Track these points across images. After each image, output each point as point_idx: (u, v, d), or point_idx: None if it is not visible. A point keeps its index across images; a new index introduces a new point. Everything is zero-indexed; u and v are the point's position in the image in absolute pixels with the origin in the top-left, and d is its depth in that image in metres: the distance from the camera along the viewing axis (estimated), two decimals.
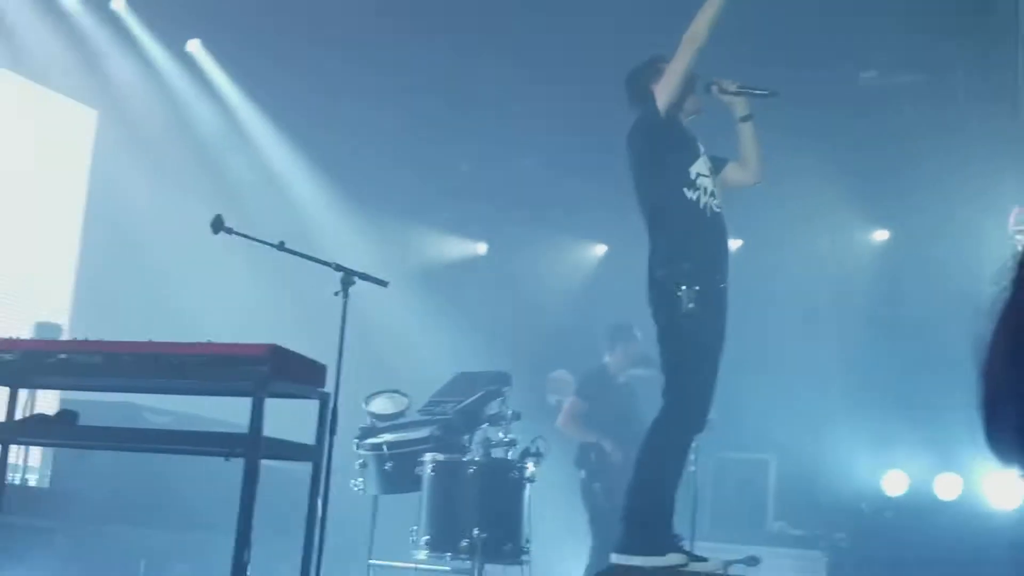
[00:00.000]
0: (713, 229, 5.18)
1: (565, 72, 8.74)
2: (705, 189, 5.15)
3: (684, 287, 4.95)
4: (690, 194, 5.10)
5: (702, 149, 5.25)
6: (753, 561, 6.37)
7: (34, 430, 5.56)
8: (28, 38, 9.37)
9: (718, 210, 5.20)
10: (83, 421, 5.23)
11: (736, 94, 5.34)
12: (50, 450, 7.85)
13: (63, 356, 5.11)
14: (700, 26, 5.03)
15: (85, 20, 9.73)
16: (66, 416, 5.40)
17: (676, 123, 5.18)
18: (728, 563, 5.20)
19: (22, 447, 7.23)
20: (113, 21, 9.99)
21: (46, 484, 7.88)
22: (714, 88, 5.32)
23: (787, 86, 5.54)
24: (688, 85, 5.16)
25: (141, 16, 10.07)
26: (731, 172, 5.41)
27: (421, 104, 10.03)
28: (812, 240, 9.75)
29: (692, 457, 5.62)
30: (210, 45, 10.51)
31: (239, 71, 10.56)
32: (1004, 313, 1.23)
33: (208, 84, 10.62)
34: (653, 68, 5.22)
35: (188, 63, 10.53)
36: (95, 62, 9.90)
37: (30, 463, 8.01)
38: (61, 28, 9.60)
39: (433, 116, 10.14)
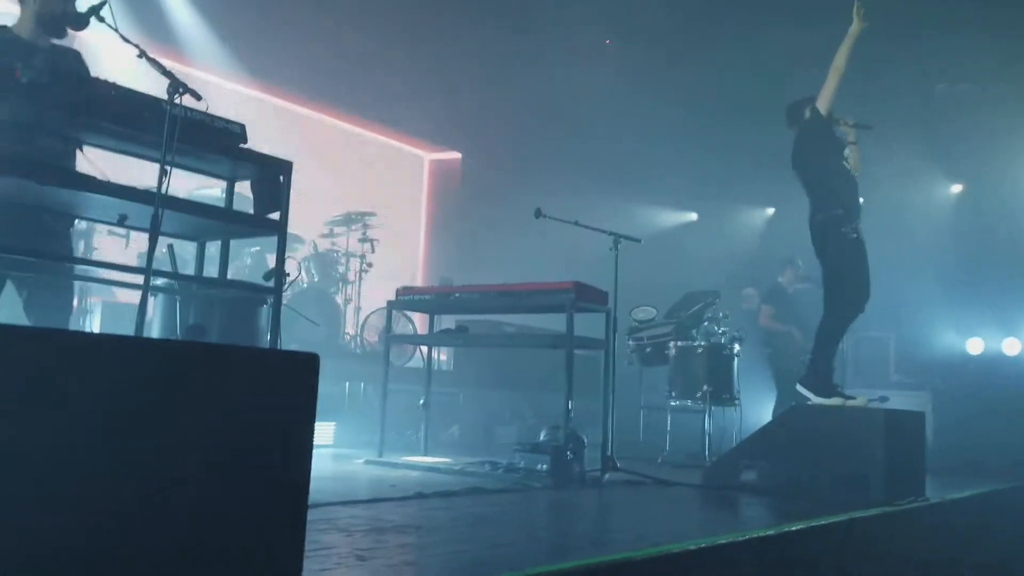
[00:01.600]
0: (855, 188, 4.98)
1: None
2: (849, 162, 5.00)
3: (844, 226, 4.75)
4: (846, 164, 4.96)
5: None
6: (884, 399, 6.01)
7: (445, 338, 5.89)
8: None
9: (856, 177, 5.03)
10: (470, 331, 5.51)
11: (851, 127, 5.08)
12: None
13: (457, 295, 5.38)
14: (840, 59, 4.85)
15: None
16: (460, 328, 5.69)
17: (833, 126, 5.00)
18: (869, 400, 4.94)
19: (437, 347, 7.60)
20: None
21: (452, 367, 8.23)
22: (839, 122, 5.07)
23: (890, 92, 5.16)
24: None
25: None
26: None
27: (659, 141, 9.70)
28: (908, 193, 9.03)
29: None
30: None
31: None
32: None
33: None
34: (805, 100, 5.04)
35: None
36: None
37: (442, 357, 8.41)
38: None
39: (673, 149, 9.77)
